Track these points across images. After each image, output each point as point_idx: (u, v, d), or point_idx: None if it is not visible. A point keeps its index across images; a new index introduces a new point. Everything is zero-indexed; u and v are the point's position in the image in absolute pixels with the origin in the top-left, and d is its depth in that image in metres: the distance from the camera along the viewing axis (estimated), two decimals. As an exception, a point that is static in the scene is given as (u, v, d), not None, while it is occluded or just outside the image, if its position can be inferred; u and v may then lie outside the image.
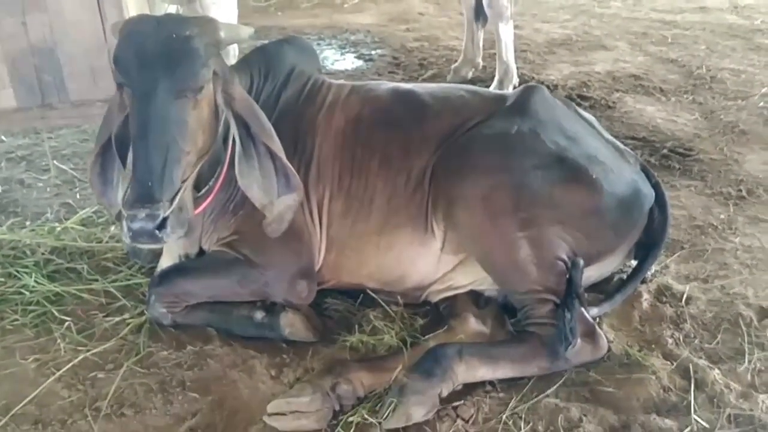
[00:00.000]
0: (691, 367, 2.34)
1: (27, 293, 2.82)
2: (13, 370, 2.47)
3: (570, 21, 6.58)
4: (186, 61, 2.14)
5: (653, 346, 2.47)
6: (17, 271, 2.92)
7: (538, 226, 2.38)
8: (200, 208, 2.52)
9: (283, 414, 2.17)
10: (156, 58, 2.13)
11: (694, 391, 2.26)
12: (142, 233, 2.08)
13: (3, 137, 4.40)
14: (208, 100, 2.25)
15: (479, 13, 4.86)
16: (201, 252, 2.75)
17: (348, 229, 2.60)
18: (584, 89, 4.82)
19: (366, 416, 2.17)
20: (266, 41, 2.94)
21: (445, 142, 2.57)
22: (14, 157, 4.18)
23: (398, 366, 2.30)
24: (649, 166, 3.67)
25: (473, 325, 2.48)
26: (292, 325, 2.55)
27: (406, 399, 2.16)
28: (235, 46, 3.93)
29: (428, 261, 2.58)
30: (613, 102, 4.62)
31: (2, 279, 2.90)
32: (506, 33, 4.63)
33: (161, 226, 2.08)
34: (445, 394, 2.22)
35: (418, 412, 2.15)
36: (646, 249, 2.70)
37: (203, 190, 2.49)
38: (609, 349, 2.43)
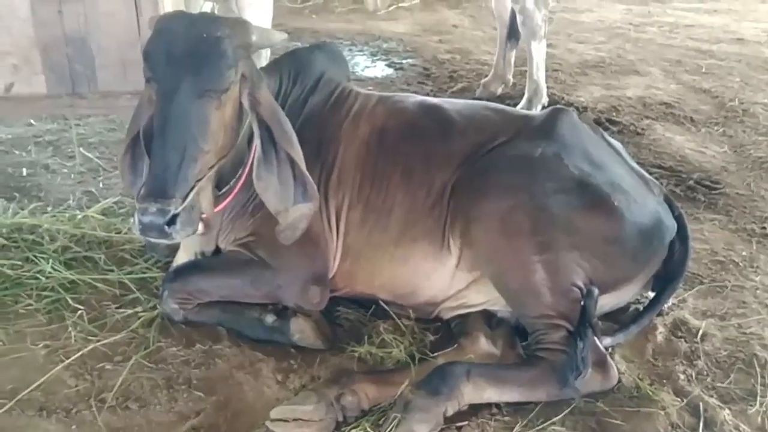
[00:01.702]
0: (701, 405, 2.29)
1: (43, 279, 2.84)
2: (23, 355, 2.48)
3: (604, 43, 6.55)
4: (213, 62, 2.15)
5: (665, 380, 2.43)
6: (35, 256, 2.94)
7: (555, 251, 2.36)
8: (220, 207, 2.53)
9: (286, 420, 2.16)
10: (184, 56, 2.15)
11: (702, 429, 2.21)
12: (151, 227, 2.09)
13: (32, 121, 4.46)
14: (232, 102, 2.26)
15: (513, 31, 4.85)
16: (217, 251, 2.76)
17: (364, 239, 2.59)
18: (614, 113, 4.78)
19: (369, 429, 2.16)
20: (298, 45, 2.93)
21: (468, 159, 2.56)
22: (42, 141, 4.23)
23: (405, 381, 2.28)
24: (674, 196, 3.65)
25: (483, 345, 2.46)
26: (301, 330, 2.54)
27: (410, 415, 2.14)
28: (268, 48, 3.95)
29: (442, 277, 2.56)
30: (642, 129, 4.58)
31: (20, 263, 2.92)
32: (538, 51, 4.62)
33: (171, 222, 2.09)
34: (450, 413, 2.20)
35: (422, 429, 2.13)
36: (665, 281, 2.66)
37: (224, 189, 2.50)
38: (619, 381, 2.39)
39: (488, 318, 2.58)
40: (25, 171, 3.86)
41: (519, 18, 4.59)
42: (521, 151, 2.54)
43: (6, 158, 4.02)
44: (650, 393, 2.35)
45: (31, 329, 2.61)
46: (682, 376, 2.44)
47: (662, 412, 2.27)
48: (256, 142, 2.28)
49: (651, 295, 2.72)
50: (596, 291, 2.37)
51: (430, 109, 2.72)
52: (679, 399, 2.34)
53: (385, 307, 2.67)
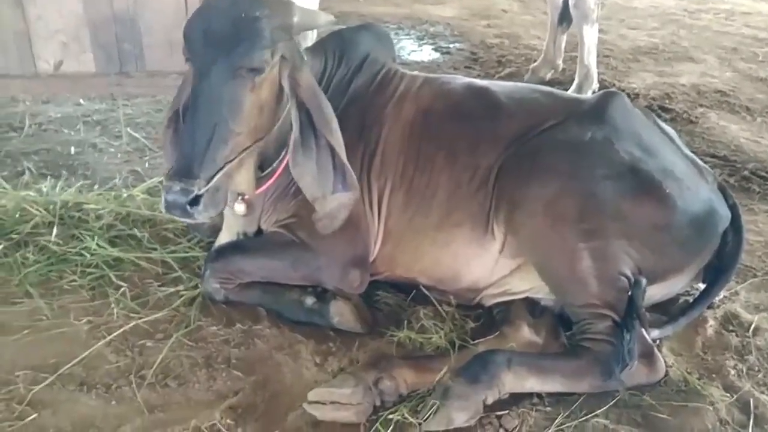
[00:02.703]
0: (752, 401, 2.21)
1: (87, 255, 2.86)
2: (66, 330, 2.51)
3: (658, 30, 6.37)
4: (247, 42, 2.11)
5: (714, 375, 2.35)
6: (80, 234, 2.98)
7: (603, 238, 2.29)
8: (262, 188, 2.52)
9: (323, 403, 2.14)
10: (219, 36, 2.11)
11: (752, 426, 2.13)
12: (174, 206, 2.08)
13: (81, 101, 4.51)
14: (270, 83, 2.22)
15: (564, 15, 4.74)
16: (260, 232, 2.75)
17: (406, 222, 2.55)
18: (666, 101, 4.65)
19: (407, 415, 2.12)
20: (343, 27, 2.89)
21: (515, 142, 2.50)
22: (90, 121, 4.28)
23: (444, 368, 2.24)
24: (728, 186, 3.52)
25: (526, 334, 2.41)
26: (341, 314, 2.52)
27: (449, 402, 2.10)
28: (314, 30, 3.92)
29: (485, 263, 2.51)
30: (696, 117, 4.44)
31: (66, 240, 2.96)
32: (590, 36, 4.50)
33: (194, 202, 2.07)
34: (490, 401, 2.15)
35: (460, 417, 2.10)
36: (716, 273, 2.56)
37: (266, 171, 2.49)
38: (666, 374, 2.32)
39: (531, 306, 2.52)
40: (73, 149, 3.91)
41: (571, 1, 4.48)
42: (570, 135, 2.46)
43: (55, 137, 4.07)
44: (699, 387, 2.27)
45: (74, 305, 2.64)
46: (732, 371, 2.36)
47: (711, 408, 2.19)
48: (294, 125, 2.23)
49: (702, 286, 2.63)
50: (644, 281, 2.29)
51: (478, 91, 2.66)
52: (728, 394, 2.26)
53: (426, 292, 2.63)
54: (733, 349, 2.47)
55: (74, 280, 2.76)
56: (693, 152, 3.62)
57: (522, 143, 2.48)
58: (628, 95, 4.57)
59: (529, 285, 2.50)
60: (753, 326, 2.57)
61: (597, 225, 2.30)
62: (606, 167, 2.37)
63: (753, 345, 2.49)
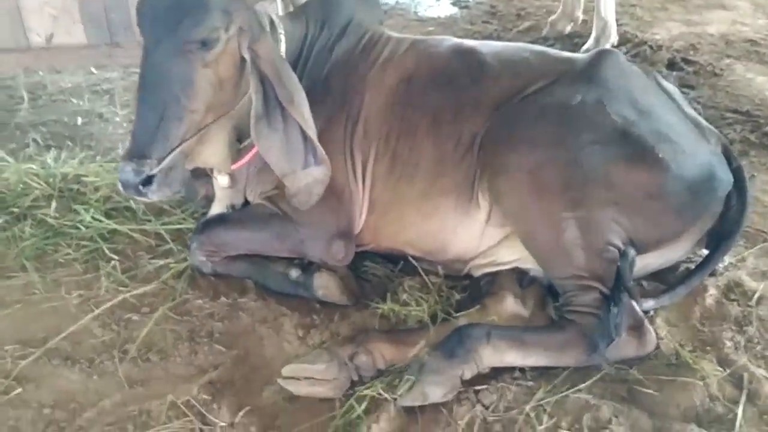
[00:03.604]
0: (745, 376, 2.11)
1: (83, 228, 2.88)
2: (56, 304, 2.53)
3: (690, -26, 6.05)
4: (193, 16, 2.04)
5: (708, 348, 2.25)
6: (78, 207, 2.99)
7: (589, 207, 2.18)
8: (242, 161, 2.48)
9: (298, 378, 2.12)
10: (166, 11, 2.05)
11: (744, 403, 2.04)
12: (127, 186, 2.05)
13: (93, 70, 4.51)
14: (229, 57, 2.15)
15: (580, -35, 4.52)
16: (247, 203, 2.72)
17: (391, 192, 2.48)
18: (691, 52, 4.42)
19: (381, 391, 2.09)
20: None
21: (500, 107, 2.39)
22: (99, 90, 4.28)
23: (421, 342, 2.19)
24: (748, 144, 3.37)
25: (511, 306, 2.33)
26: (326, 286, 2.49)
27: (424, 378, 2.06)
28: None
29: (471, 232, 2.43)
30: (721, 69, 4.21)
31: (63, 213, 2.98)
32: (608, -13, 4.29)
33: (146, 182, 2.04)
34: (467, 376, 2.10)
35: (436, 392, 2.05)
36: (719, 239, 2.43)
37: (246, 143, 2.43)
38: (657, 347, 2.23)
39: (520, 276, 2.44)
40: (79, 120, 3.92)
41: (586, -49, 4.27)
42: (558, 97, 2.34)
43: (63, 107, 4.08)
44: (690, 361, 2.18)
45: (67, 278, 2.66)
46: (728, 343, 2.25)
47: (701, 383, 2.11)
48: (255, 98, 2.15)
49: (704, 253, 2.51)
50: (633, 252, 2.19)
51: (464, 53, 2.55)
52: (721, 369, 2.16)
53: (414, 263, 2.57)
54: (732, 319, 2.36)
55: (69, 254, 2.78)
56: (713, 107, 3.48)
57: (507, 108, 2.37)
58: (651, 47, 4.40)
59: (516, 255, 2.42)
60: (757, 295, 2.45)
61: (583, 193, 2.19)
62: (594, 132, 2.25)
63: (755, 315, 2.37)
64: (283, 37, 2.45)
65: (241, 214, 2.65)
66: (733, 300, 2.44)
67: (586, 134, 2.24)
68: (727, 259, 2.59)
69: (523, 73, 2.45)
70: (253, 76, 2.15)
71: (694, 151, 2.33)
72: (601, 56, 2.47)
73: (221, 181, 2.57)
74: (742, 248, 2.69)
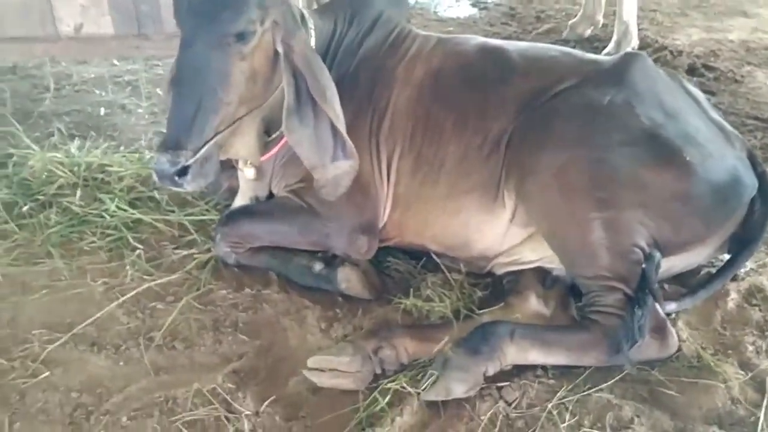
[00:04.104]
0: (767, 380, 2.12)
1: (107, 217, 2.91)
2: (82, 291, 2.56)
3: (711, -19, 6.06)
4: (231, 9, 2.06)
5: (730, 351, 2.26)
6: (102, 196, 3.02)
7: (616, 208, 2.19)
8: (270, 154, 2.50)
9: (323, 370, 2.14)
10: (203, 4, 2.07)
11: (766, 407, 2.05)
12: (163, 176, 2.07)
13: (116, 61, 4.55)
14: (263, 51, 2.17)
15: (603, -32, 4.53)
16: (272, 196, 2.74)
17: (415, 189, 2.50)
18: (711, 59, 4.42)
19: (405, 384, 2.11)
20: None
21: (527, 106, 2.40)
22: (122, 81, 4.32)
23: (446, 337, 2.21)
24: (769, 151, 3.37)
25: (533, 305, 2.35)
26: (348, 280, 2.51)
27: (447, 373, 2.08)
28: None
29: (495, 231, 2.45)
30: (742, 76, 4.22)
31: (88, 201, 3.01)
32: (629, -9, 4.29)
33: (182, 173, 2.06)
34: (490, 373, 2.12)
35: (459, 388, 2.07)
36: (742, 243, 2.44)
37: (274, 135, 2.46)
38: (679, 349, 2.24)
39: (543, 276, 2.45)
40: (102, 110, 3.96)
41: (609, -46, 4.27)
42: (587, 98, 2.35)
43: (87, 97, 4.12)
44: (712, 364, 2.19)
45: (92, 266, 2.69)
46: (750, 347, 2.26)
47: (723, 385, 2.12)
48: (287, 92, 2.18)
49: (726, 257, 2.52)
50: (658, 255, 2.20)
51: (491, 51, 2.56)
52: (743, 372, 2.17)
53: (437, 259, 2.59)
54: (754, 324, 2.37)
55: (93, 242, 2.81)
56: (734, 113, 3.49)
57: (535, 107, 2.39)
58: (671, 52, 4.41)
59: (540, 255, 2.43)
60: (778, 301, 2.45)
61: (610, 194, 2.20)
62: (623, 133, 2.26)
63: (776, 320, 2.38)
64: (312, 32, 2.47)
65: (265, 207, 2.67)
66: (755, 305, 2.45)
67: (614, 135, 2.25)
68: (749, 264, 2.59)
69: (550, 72, 2.46)
70: (286, 69, 2.18)
71: (720, 155, 2.34)
72: (628, 58, 2.48)
73: (247, 173, 2.59)
74: (764, 254, 2.70)
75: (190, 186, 2.09)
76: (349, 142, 2.22)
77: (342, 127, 2.20)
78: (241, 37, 2.09)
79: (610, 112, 2.31)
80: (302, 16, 2.46)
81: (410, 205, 2.52)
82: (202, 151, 2.07)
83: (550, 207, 2.27)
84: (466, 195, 2.44)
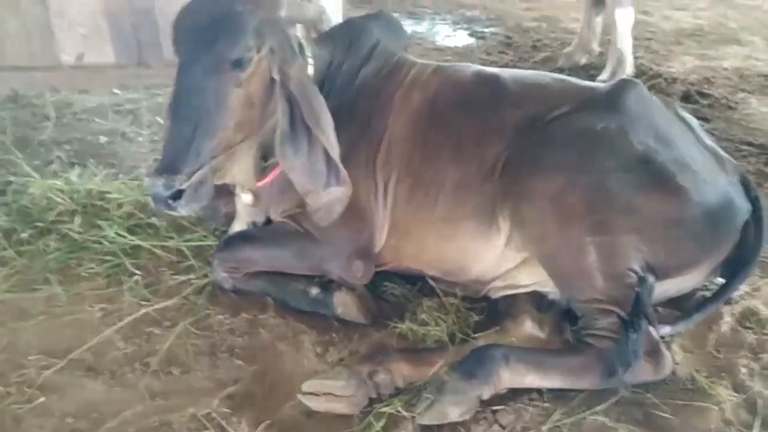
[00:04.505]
0: (759, 402, 2.13)
1: (106, 243, 2.93)
2: (80, 317, 2.57)
3: (704, 10, 6.13)
4: (228, 36, 2.11)
5: (723, 374, 2.27)
6: (101, 222, 3.04)
7: (611, 233, 2.21)
8: (266, 180, 2.53)
9: (317, 394, 2.15)
10: (201, 31, 2.12)
11: (758, 427, 2.05)
12: (157, 199, 2.09)
13: (117, 90, 4.59)
14: (259, 78, 2.21)
15: (597, -2, 4.59)
16: (269, 221, 2.76)
17: (412, 214, 2.52)
18: (706, 86, 4.46)
19: (400, 409, 2.11)
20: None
21: (522, 132, 2.43)
22: (122, 110, 4.36)
23: (440, 361, 2.22)
24: (763, 176, 3.39)
25: (529, 328, 2.36)
26: (344, 304, 2.52)
27: (443, 397, 2.08)
28: (337, 16, 3.88)
29: (491, 255, 2.46)
30: (736, 102, 4.26)
31: (87, 228, 3.02)
32: (624, 19, 4.35)
33: (176, 196, 2.08)
34: (486, 396, 2.12)
35: (454, 412, 2.07)
36: (735, 268, 2.45)
37: (271, 161, 2.48)
38: (673, 372, 2.25)
39: (538, 300, 2.46)
40: (103, 138, 3.99)
41: (603, -17, 4.34)
42: (581, 124, 2.38)
43: (88, 126, 4.16)
44: (706, 386, 2.20)
45: (90, 292, 2.71)
46: (743, 370, 2.27)
47: (716, 407, 2.12)
48: (281, 118, 2.21)
49: (720, 281, 2.53)
50: (651, 278, 2.22)
51: (486, 79, 2.60)
52: (736, 394, 2.18)
53: (432, 284, 2.60)
54: (747, 347, 2.38)
55: (92, 268, 2.83)
56: (728, 140, 3.52)
57: (529, 133, 2.42)
58: (666, 80, 4.46)
59: (535, 279, 2.45)
60: (772, 324, 2.46)
61: (605, 218, 2.23)
62: (617, 158, 2.29)
63: (770, 343, 2.38)
64: (310, 60, 2.51)
65: (263, 232, 2.69)
66: (749, 328, 2.46)
67: (609, 160, 2.28)
68: (743, 287, 2.61)
69: (545, 98, 2.50)
70: (281, 96, 2.21)
71: (713, 180, 2.36)
72: (623, 85, 2.51)
73: (245, 198, 2.62)
74: (757, 277, 2.72)
75: (184, 210, 2.11)
76: (343, 170, 2.25)
77: (335, 154, 2.23)
78: (238, 63, 2.13)
79: (604, 138, 2.33)
80: (300, 45, 2.51)
81: (407, 231, 2.54)
82: (197, 175, 2.09)
83: (546, 232, 2.29)
84: (462, 220, 2.46)
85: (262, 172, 2.49)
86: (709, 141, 2.57)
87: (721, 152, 2.55)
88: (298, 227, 2.56)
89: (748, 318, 2.50)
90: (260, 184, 2.54)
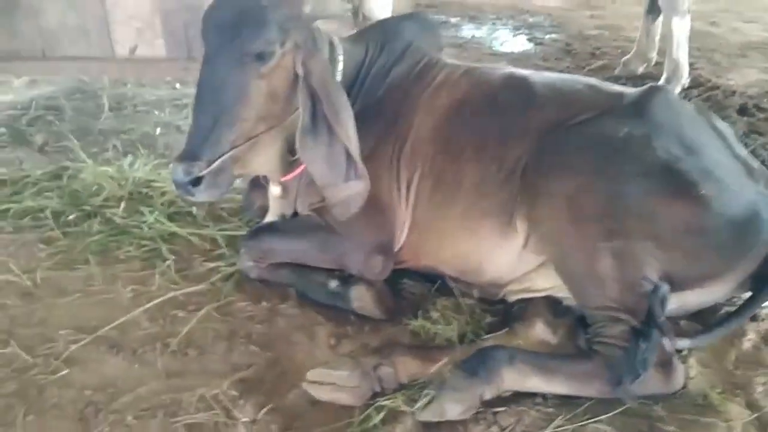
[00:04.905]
0: (772, 421, 2.05)
1: (146, 229, 3.06)
2: (112, 296, 2.69)
3: (776, 23, 5.92)
4: (251, 30, 2.18)
5: (738, 391, 2.19)
6: (143, 209, 3.17)
7: (626, 239, 2.18)
8: (294, 173, 2.59)
9: (322, 383, 2.19)
10: (227, 24, 2.20)
11: (768, 448, 1.99)
12: (178, 185, 2.19)
13: (178, 85, 4.78)
14: (283, 71, 2.27)
15: (654, 4, 4.48)
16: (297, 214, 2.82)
17: (432, 212, 2.54)
18: (765, 100, 4.29)
19: (401, 403, 2.13)
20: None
21: (545, 134, 2.42)
22: (179, 104, 4.53)
23: (445, 359, 2.23)
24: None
25: (539, 332, 2.34)
26: (361, 299, 2.56)
27: (443, 394, 2.09)
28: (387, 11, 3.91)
29: (508, 257, 2.46)
30: (794, 118, 4.10)
31: (130, 213, 3.17)
32: (680, 28, 4.24)
33: (195, 183, 2.16)
34: (487, 396, 2.12)
35: (454, 409, 2.08)
36: (763, 282, 2.37)
37: (299, 155, 2.54)
38: (685, 386, 2.19)
39: (554, 305, 2.44)
40: (158, 130, 4.17)
41: (659, -9, 4.25)
42: (603, 129, 2.36)
43: (146, 117, 4.34)
44: (717, 402, 2.13)
45: (125, 273, 2.83)
46: (760, 389, 2.20)
47: (724, 424, 2.05)
48: (303, 112, 2.26)
49: (747, 295, 2.45)
50: (665, 288, 2.16)
51: (515, 81, 2.60)
52: (749, 412, 2.10)
53: (450, 283, 2.61)
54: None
55: (129, 251, 2.96)
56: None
57: (553, 135, 2.40)
58: (723, 92, 4.33)
59: (552, 283, 2.42)
60: (798, 343, 2.37)
61: (621, 224, 2.19)
62: (638, 164, 2.25)
63: (793, 363, 2.29)
64: (341, 58, 2.57)
65: (289, 224, 2.76)
66: (773, 346, 2.37)
67: (629, 166, 2.25)
68: (771, 305, 2.52)
69: (572, 103, 2.48)
70: (303, 90, 2.27)
71: (739, 191, 2.29)
72: (651, 92, 2.47)
73: (273, 190, 2.69)
74: (791, 295, 2.61)
75: (202, 196, 2.20)
76: (362, 165, 2.29)
77: (354, 149, 2.27)
78: (260, 56, 2.20)
79: (626, 143, 2.30)
80: (331, 43, 2.57)
81: (426, 228, 2.56)
82: (216, 163, 2.17)
83: (560, 233, 2.27)
84: (481, 218, 2.46)
85: (289, 165, 2.55)
86: (742, 150, 2.50)
87: (755, 163, 2.48)
88: (322, 220, 2.61)
89: (773, 336, 2.41)
90: (288, 177, 2.61)
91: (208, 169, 2.16)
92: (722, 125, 2.55)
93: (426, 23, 2.86)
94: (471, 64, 2.79)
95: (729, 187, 2.27)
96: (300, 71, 2.28)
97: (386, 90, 2.65)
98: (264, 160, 2.42)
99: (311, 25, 2.36)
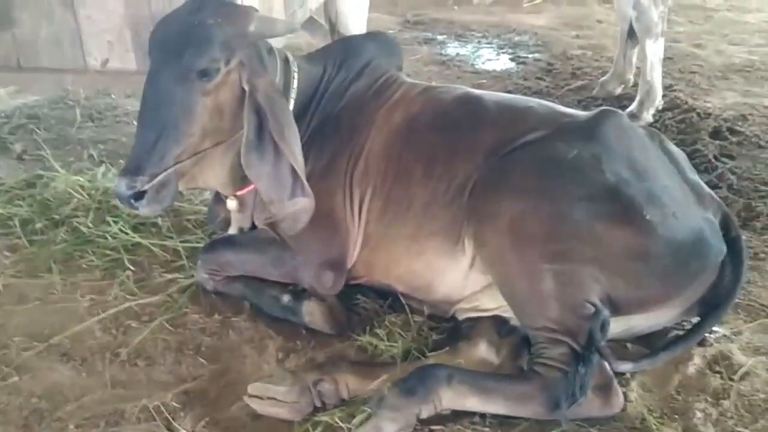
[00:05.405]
0: (706, 449, 2.06)
1: (110, 239, 3.09)
2: (70, 305, 2.72)
3: (762, 46, 5.89)
4: (195, 48, 2.21)
5: (676, 416, 2.20)
6: (109, 218, 3.20)
7: (569, 261, 2.19)
8: (249, 188, 2.62)
9: (262, 398, 2.21)
10: (171, 41, 2.25)
11: (698, 475, 1.99)
12: (121, 198, 2.22)
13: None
14: (229, 88, 2.30)
15: (633, 28, 4.51)
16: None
17: (383, 230, 2.56)
18: (739, 123, 4.28)
19: (337, 419, 2.14)
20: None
21: (494, 154, 2.44)
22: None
23: (385, 376, 2.24)
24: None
25: (482, 352, 2.35)
26: (312, 313, 2.58)
27: (380, 412, 2.10)
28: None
29: (456, 276, 2.48)
30: (767, 142, 4.09)
31: (97, 223, 3.19)
32: (653, 51, 4.26)
33: (138, 197, 2.19)
34: (424, 415, 2.13)
35: (390, 427, 2.09)
36: (710, 308, 2.39)
37: (250, 170, 2.57)
38: (624, 409, 2.20)
39: (500, 324, 2.45)
40: (135, 140, 4.19)
41: (633, 14, 4.27)
42: (551, 150, 2.37)
43: (125, 128, 4.36)
44: (654, 427, 2.13)
45: (85, 283, 2.86)
46: (699, 414, 2.19)
47: (657, 450, 2.06)
48: (246, 127, 2.28)
49: (696, 320, 2.46)
50: (606, 312, 2.18)
51: (468, 100, 2.63)
52: (683, 438, 2.11)
53: (402, 300, 2.63)
54: (710, 391, 2.29)
55: (92, 261, 2.98)
56: (749, 179, 3.41)
57: (501, 155, 2.42)
58: (699, 114, 4.33)
59: (499, 303, 2.42)
60: (743, 370, 2.36)
61: (564, 247, 2.21)
62: (583, 187, 2.27)
63: (735, 390, 2.28)
64: (296, 75, 2.60)
65: (244, 238, 2.78)
66: (717, 372, 2.37)
67: (575, 188, 2.26)
68: (722, 330, 2.53)
69: (521, 122, 2.50)
70: (248, 107, 2.30)
71: (686, 216, 2.31)
72: (603, 115, 2.49)
73: (230, 204, 2.72)
74: (741, 321, 2.62)
75: (145, 210, 2.23)
76: (306, 184, 2.31)
77: (299, 166, 2.29)
78: (204, 74, 2.23)
79: (573, 166, 2.32)
80: (286, 59, 2.61)
81: (378, 245, 2.58)
82: (159, 178, 2.20)
83: (503, 254, 2.28)
84: (430, 238, 2.48)
85: (243, 180, 2.57)
86: (693, 176, 2.52)
87: (705, 188, 2.50)
88: (276, 235, 2.64)
89: (718, 362, 2.40)
90: (244, 191, 2.64)
91: (150, 184, 2.19)
92: (674, 149, 2.58)
93: (386, 42, 2.90)
94: (430, 84, 2.82)
95: (675, 213, 2.28)
96: (246, 87, 2.31)
97: (343, 106, 2.69)
98: (213, 174, 2.45)
99: (257, 42, 2.39)
